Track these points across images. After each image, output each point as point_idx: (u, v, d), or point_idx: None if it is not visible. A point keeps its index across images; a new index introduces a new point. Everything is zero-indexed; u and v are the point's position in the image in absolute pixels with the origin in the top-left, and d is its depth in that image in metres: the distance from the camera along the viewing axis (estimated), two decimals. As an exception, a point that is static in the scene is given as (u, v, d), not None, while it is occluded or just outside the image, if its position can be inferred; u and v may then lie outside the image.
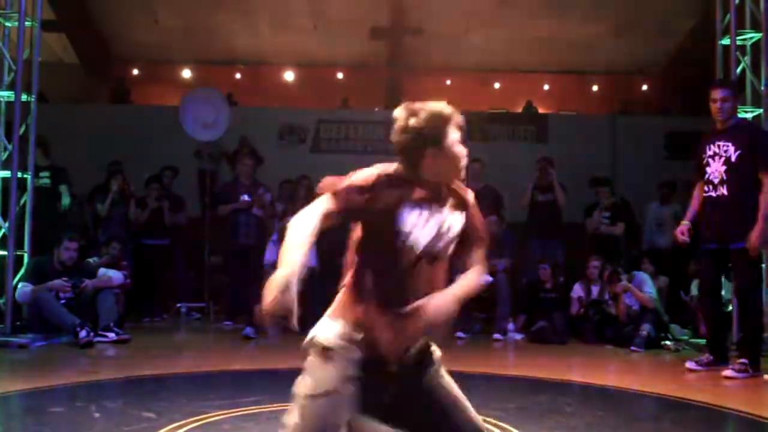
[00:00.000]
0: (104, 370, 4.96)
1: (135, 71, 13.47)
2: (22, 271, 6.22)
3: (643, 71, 13.60)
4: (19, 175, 6.15)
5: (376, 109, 12.06)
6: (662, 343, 6.35)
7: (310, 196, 7.29)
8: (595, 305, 6.82)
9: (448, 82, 13.88)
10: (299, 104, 11.88)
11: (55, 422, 3.33)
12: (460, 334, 6.87)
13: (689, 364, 5.11)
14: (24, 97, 6.24)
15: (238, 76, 13.51)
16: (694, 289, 7.19)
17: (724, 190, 4.95)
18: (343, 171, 8.32)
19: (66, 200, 7.23)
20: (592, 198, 8.06)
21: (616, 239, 7.70)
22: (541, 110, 12.68)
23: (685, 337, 6.79)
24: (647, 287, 6.65)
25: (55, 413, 3.50)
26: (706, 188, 5.06)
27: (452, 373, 4.74)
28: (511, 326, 7.03)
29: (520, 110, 12.63)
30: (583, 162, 9.25)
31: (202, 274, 8.29)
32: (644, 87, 14.06)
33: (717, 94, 5.02)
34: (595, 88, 14.08)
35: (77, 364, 5.16)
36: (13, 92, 6.21)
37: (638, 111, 12.84)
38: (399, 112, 2.31)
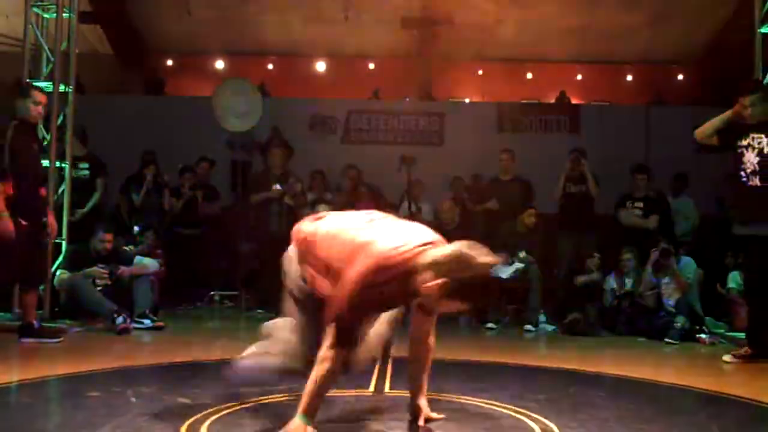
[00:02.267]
0: (140, 356, 5.04)
1: (168, 62, 13.60)
2: (60, 258, 6.35)
3: (678, 61, 13.38)
4: (57, 164, 6.26)
5: (407, 100, 12.04)
6: (697, 336, 6.28)
7: (356, 187, 7.19)
8: (628, 297, 6.76)
9: (480, 72, 13.79)
10: (330, 95, 11.90)
11: (93, 406, 3.39)
12: (490, 325, 6.86)
13: (726, 357, 5.05)
14: (62, 88, 6.36)
15: (269, 66, 13.57)
16: (731, 282, 7.10)
17: (757, 181, 5.00)
18: (373, 162, 8.41)
19: (95, 198, 7.34)
20: (625, 189, 7.97)
21: (650, 232, 7.60)
22: (573, 101, 12.55)
23: (721, 330, 6.71)
24: (688, 272, 6.64)
25: (92, 398, 3.56)
26: (741, 174, 5.10)
27: (483, 365, 4.75)
28: (542, 318, 7.00)
29: (552, 101, 12.51)
30: (616, 153, 9.14)
31: (234, 262, 8.38)
32: (680, 77, 13.83)
33: (746, 101, 5.10)
34: (629, 78, 13.89)
35: (114, 350, 5.25)
36: (51, 83, 6.32)
37: (673, 102, 12.64)
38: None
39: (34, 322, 5.31)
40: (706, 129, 5.31)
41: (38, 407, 3.58)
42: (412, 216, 7.88)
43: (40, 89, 5.45)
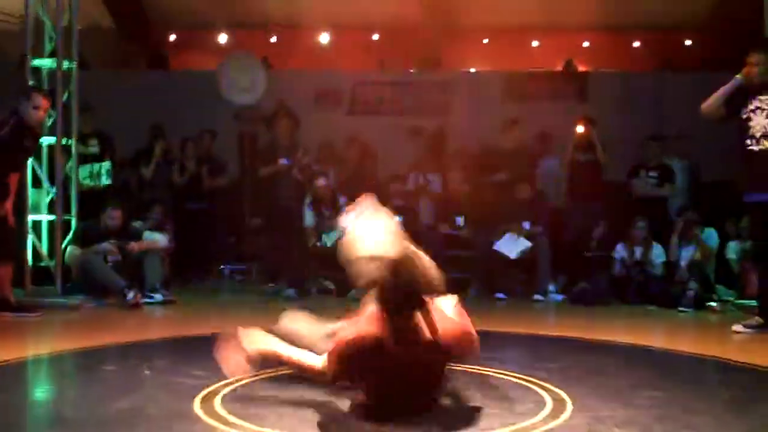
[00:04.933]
0: (153, 330, 5.07)
1: (172, 37, 13.50)
2: (71, 235, 6.37)
3: (686, 26, 13.19)
4: (64, 141, 6.25)
5: (412, 71, 11.94)
6: (707, 304, 6.28)
7: (362, 158, 7.14)
8: (639, 266, 6.76)
9: (485, 41, 13.64)
10: (335, 67, 11.81)
11: (108, 379, 3.43)
12: (500, 295, 6.88)
13: (736, 327, 5.03)
14: (65, 65, 6.32)
15: (273, 39, 13.45)
16: (730, 252, 7.11)
17: (767, 143, 4.92)
18: (379, 133, 8.35)
19: (105, 180, 7.35)
20: (635, 157, 7.92)
21: (663, 201, 7.56)
22: (581, 68, 12.42)
23: (731, 298, 6.71)
24: (711, 242, 6.66)
25: (107, 371, 3.60)
26: (748, 141, 5.02)
27: (493, 334, 4.75)
28: (551, 287, 7.01)
29: (559, 69, 12.39)
30: (624, 121, 9.07)
31: (243, 236, 8.40)
32: (688, 42, 13.65)
33: (753, 58, 5.03)
34: (636, 44, 13.72)
35: (126, 324, 5.29)
36: (54, 59, 6.29)
37: (682, 67, 12.49)
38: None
39: (10, 297, 5.36)
40: (713, 101, 5.22)
41: (54, 382, 3.62)
42: (417, 188, 7.88)
43: (44, 93, 5.45)
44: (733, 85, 5.13)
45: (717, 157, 8.16)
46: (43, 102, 5.30)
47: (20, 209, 5.74)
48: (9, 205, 5.29)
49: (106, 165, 7.32)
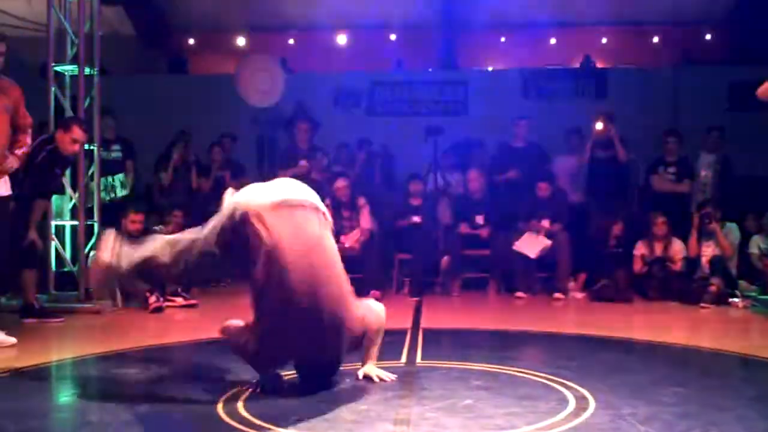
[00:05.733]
0: (174, 333, 5.12)
1: (190, 41, 13.61)
2: (93, 239, 6.44)
3: (706, 21, 13.06)
4: (87, 147, 6.32)
5: (430, 70, 11.94)
6: (730, 300, 6.22)
7: (370, 161, 7.28)
8: (659, 262, 6.71)
9: (503, 39, 13.60)
10: (353, 68, 11.84)
11: (131, 383, 3.47)
12: (520, 294, 6.86)
13: None
14: (87, 71, 6.39)
15: (291, 41, 13.51)
16: (753, 247, 7.05)
17: None
18: (398, 133, 8.38)
19: (120, 192, 7.44)
20: (655, 153, 7.86)
21: (682, 197, 7.50)
22: (599, 65, 12.34)
23: (754, 294, 6.64)
24: (733, 237, 6.59)
25: (129, 375, 3.64)
26: None
27: (513, 333, 4.75)
28: (572, 285, 6.98)
29: (577, 66, 12.33)
30: (644, 117, 9.01)
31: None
32: (707, 37, 13.52)
33: None
34: (655, 39, 13.61)
35: (148, 328, 5.34)
36: (76, 66, 6.36)
37: (701, 62, 12.37)
38: None
39: (35, 302, 5.45)
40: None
41: (77, 386, 3.67)
42: (436, 188, 7.88)
43: (82, 126, 5.51)
44: None
45: (749, 151, 8.11)
46: (81, 135, 5.39)
47: (44, 235, 5.85)
48: (33, 229, 5.40)
49: (119, 177, 7.40)
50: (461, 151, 8.58)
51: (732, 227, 6.79)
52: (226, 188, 8.06)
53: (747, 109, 5.36)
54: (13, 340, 4.40)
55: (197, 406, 2.96)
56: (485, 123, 9.24)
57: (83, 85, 6.33)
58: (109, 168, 7.14)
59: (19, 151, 4.55)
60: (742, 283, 6.73)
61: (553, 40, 13.74)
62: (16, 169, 4.61)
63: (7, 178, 4.55)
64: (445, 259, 7.22)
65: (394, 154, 8.92)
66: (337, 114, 9.97)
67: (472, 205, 7.58)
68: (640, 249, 6.87)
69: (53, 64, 6.35)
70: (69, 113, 6.29)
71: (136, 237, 6.33)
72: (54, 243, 6.27)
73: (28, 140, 4.66)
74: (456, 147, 8.58)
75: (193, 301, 6.25)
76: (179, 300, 6.22)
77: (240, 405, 2.94)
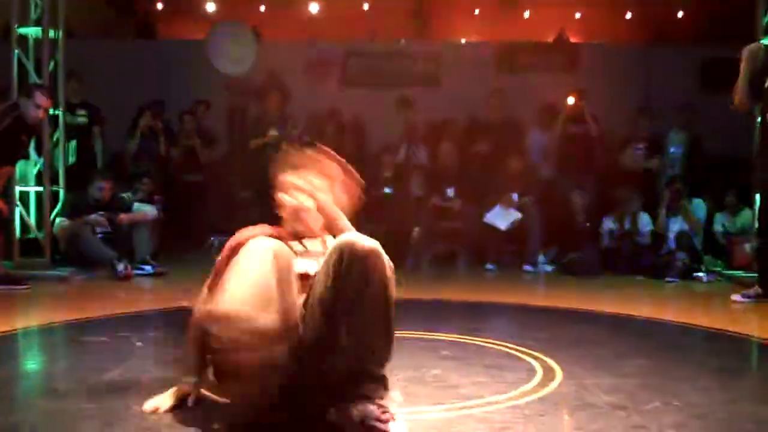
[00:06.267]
0: (143, 302, 5.07)
1: (159, 5, 13.31)
2: (59, 206, 6.34)
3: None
4: (52, 112, 6.18)
5: (403, 41, 11.85)
6: (695, 274, 6.34)
7: (340, 132, 7.25)
8: (627, 237, 6.80)
9: (477, 11, 13.53)
10: (325, 37, 11.70)
11: (99, 350, 3.43)
12: (490, 266, 6.91)
13: (735, 297, 5.05)
14: (51, 33, 6.24)
15: (262, 9, 13.29)
16: (717, 224, 7.17)
17: None
18: (370, 104, 8.28)
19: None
20: (627, 130, 7.92)
21: (652, 174, 7.58)
22: (572, 40, 12.35)
23: (718, 269, 6.77)
24: (699, 213, 6.69)
25: (98, 342, 3.60)
26: None
27: (483, 305, 4.78)
28: (541, 258, 7.04)
29: (550, 40, 12.32)
30: (616, 93, 9.05)
31: (233, 208, 8.37)
32: (680, 14, 13.59)
33: None
34: (628, 15, 13.64)
35: (116, 296, 5.29)
36: (40, 28, 6.21)
37: (674, 40, 12.44)
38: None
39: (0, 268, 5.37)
40: (742, 93, 4.99)
41: (46, 353, 3.63)
42: (408, 160, 7.87)
43: (46, 92, 5.40)
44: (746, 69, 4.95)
45: (720, 131, 8.19)
46: (45, 101, 5.27)
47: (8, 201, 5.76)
48: None
49: (71, 144, 7.26)
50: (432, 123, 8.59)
51: (699, 203, 6.90)
52: (198, 156, 8.00)
53: (719, 89, 5.41)
54: None
55: (165, 373, 2.93)
56: (458, 96, 9.22)
57: (48, 48, 6.19)
58: (74, 134, 7.00)
59: None
60: (707, 259, 6.86)
61: (527, 14, 13.71)
62: None
63: None
64: (416, 231, 7.24)
65: (366, 126, 8.87)
66: (309, 85, 9.86)
67: (444, 178, 7.59)
68: (608, 224, 6.95)
69: (16, 26, 6.19)
70: (33, 77, 6.16)
71: (103, 204, 6.27)
72: (19, 209, 6.16)
73: None
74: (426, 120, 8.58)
75: (161, 270, 6.20)
76: (147, 268, 6.16)
77: (209, 372, 2.92)
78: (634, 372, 3.02)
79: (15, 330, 3.95)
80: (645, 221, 6.85)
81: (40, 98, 5.25)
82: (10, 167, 5.55)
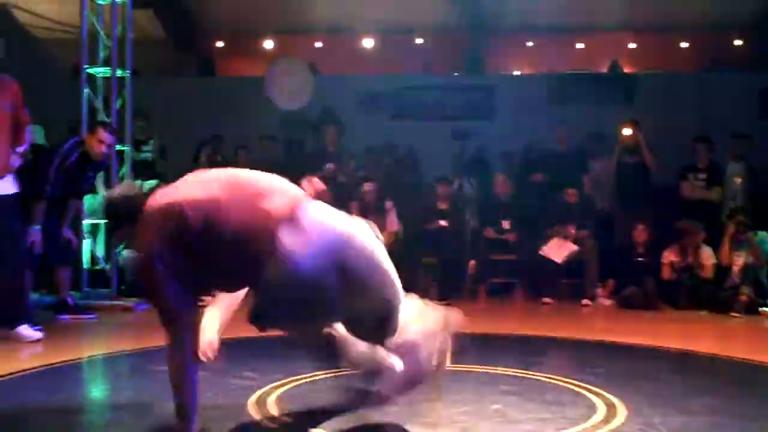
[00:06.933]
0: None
1: (219, 44, 13.75)
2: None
3: (735, 26, 12.93)
4: (118, 147, 6.41)
5: (456, 74, 11.95)
6: (760, 309, 6.16)
7: (396, 165, 7.29)
8: (689, 270, 6.65)
9: (529, 44, 13.58)
10: (379, 71, 11.88)
11: (162, 380, 3.50)
12: (546, 299, 6.84)
13: None
14: (119, 73, 6.50)
15: (318, 44, 13.60)
16: None
17: None
18: (424, 137, 8.35)
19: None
20: (684, 159, 7.80)
21: (713, 204, 7.42)
22: (626, 70, 12.27)
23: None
24: (765, 246, 6.52)
25: (160, 373, 3.67)
26: None
27: (540, 339, 4.73)
28: (599, 291, 6.94)
29: (604, 71, 12.26)
30: (672, 123, 8.93)
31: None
32: (737, 42, 13.38)
33: None
34: (684, 45, 13.50)
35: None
36: (109, 68, 6.47)
37: (730, 68, 12.25)
38: None
39: (69, 299, 5.54)
40: None
41: (110, 381, 3.73)
42: (461, 192, 7.89)
43: (110, 128, 5.58)
44: None
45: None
46: (107, 137, 5.47)
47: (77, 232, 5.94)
48: (67, 228, 5.49)
49: (149, 184, 7.46)
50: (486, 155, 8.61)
51: (764, 236, 6.72)
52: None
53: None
54: (39, 335, 4.47)
55: (228, 402, 2.99)
56: (511, 128, 9.23)
57: (115, 86, 6.44)
58: (140, 168, 7.20)
59: (20, 149, 4.54)
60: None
61: (580, 45, 13.69)
62: (17, 167, 4.57)
63: (12, 176, 4.53)
64: (472, 263, 7.22)
65: (420, 158, 8.94)
66: (364, 117, 10.00)
67: (499, 209, 7.58)
68: (668, 256, 6.81)
69: (85, 66, 6.46)
70: (101, 115, 6.40)
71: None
72: (87, 241, 6.37)
73: (27, 137, 4.64)
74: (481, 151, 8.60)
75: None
76: (208, 298, 6.27)
77: (270, 402, 2.98)
78: (702, 411, 2.95)
79: (81, 359, 4.08)
80: (707, 254, 6.69)
81: (103, 134, 5.42)
82: (78, 201, 5.75)
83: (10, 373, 3.50)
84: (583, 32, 13.54)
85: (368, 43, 13.29)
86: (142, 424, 2.69)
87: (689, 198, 7.47)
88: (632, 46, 13.68)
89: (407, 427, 2.68)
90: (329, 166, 7.36)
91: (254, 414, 2.84)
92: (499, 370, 3.70)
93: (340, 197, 7.30)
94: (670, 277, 6.74)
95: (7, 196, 4.47)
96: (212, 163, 8.03)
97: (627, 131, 7.62)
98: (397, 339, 2.47)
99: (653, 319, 6.04)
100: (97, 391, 3.56)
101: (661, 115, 9.01)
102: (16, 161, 4.52)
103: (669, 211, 7.48)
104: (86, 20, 6.43)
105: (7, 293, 4.44)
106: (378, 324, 2.43)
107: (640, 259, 6.91)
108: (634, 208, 7.43)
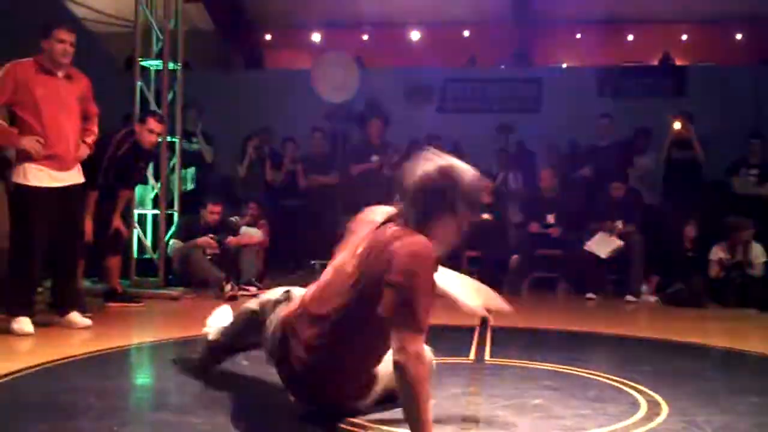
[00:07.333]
0: (249, 322, 5.24)
1: (267, 37, 13.89)
2: (173, 228, 6.69)
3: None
4: (169, 139, 6.55)
5: (503, 67, 11.86)
6: (811, 307, 6.01)
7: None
8: (738, 268, 6.51)
9: (578, 35, 13.39)
10: (425, 64, 11.87)
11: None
12: (590, 295, 6.77)
13: None
14: (171, 65, 6.63)
15: (365, 37, 13.64)
16: None
17: None
18: (470, 130, 8.33)
19: (190, 186, 7.64)
20: (736, 154, 7.63)
21: (764, 200, 7.25)
22: (678, 62, 12.02)
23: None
24: None
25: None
26: None
27: (583, 335, 4.69)
28: (644, 288, 6.85)
29: (655, 63, 12.03)
30: (724, 117, 8.74)
31: (335, 233, 8.56)
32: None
33: None
34: (738, 37, 13.14)
35: (224, 315, 5.50)
36: (161, 60, 6.61)
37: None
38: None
39: (118, 287, 5.70)
40: None
41: (156, 368, 3.83)
42: (503, 185, 7.86)
43: (159, 118, 5.67)
44: None
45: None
46: (157, 126, 5.57)
47: (127, 224, 6.08)
48: (118, 217, 5.63)
49: (191, 171, 7.62)
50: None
51: None
52: (298, 181, 8.24)
53: None
54: (88, 322, 4.59)
55: (271, 391, 3.05)
56: (559, 121, 9.14)
57: (167, 79, 6.57)
58: (189, 160, 7.36)
59: (89, 140, 4.64)
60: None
61: (630, 37, 13.44)
62: (86, 156, 4.67)
63: (79, 166, 4.62)
64: (515, 257, 7.20)
65: (465, 151, 8.91)
66: (409, 110, 10.01)
67: (543, 203, 7.52)
68: (717, 253, 6.68)
69: (139, 58, 6.61)
70: (153, 106, 6.54)
71: (213, 227, 6.57)
72: (136, 231, 6.54)
73: (96, 129, 4.74)
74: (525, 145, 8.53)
75: (265, 291, 6.41)
76: (253, 289, 6.40)
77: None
78: (746, 410, 2.90)
79: (129, 346, 4.19)
80: (758, 251, 6.54)
81: (153, 123, 5.53)
82: (129, 191, 5.88)
83: (61, 358, 3.62)
84: (634, 24, 13.30)
85: (415, 35, 13.28)
86: (187, 410, 2.77)
87: (740, 194, 7.31)
88: (684, 38, 13.38)
89: (446, 421, 2.69)
90: (374, 158, 7.40)
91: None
92: (541, 365, 3.69)
93: (384, 190, 7.36)
94: (719, 274, 6.61)
95: (77, 185, 4.59)
96: (259, 156, 8.16)
97: (678, 125, 7.49)
98: None
99: (700, 317, 5.94)
100: (144, 377, 3.67)
101: (713, 110, 8.83)
102: (84, 151, 4.63)
103: (718, 207, 7.34)
104: (140, 14, 6.58)
105: (61, 281, 4.58)
106: None
107: (688, 255, 6.80)
108: (683, 204, 7.31)
